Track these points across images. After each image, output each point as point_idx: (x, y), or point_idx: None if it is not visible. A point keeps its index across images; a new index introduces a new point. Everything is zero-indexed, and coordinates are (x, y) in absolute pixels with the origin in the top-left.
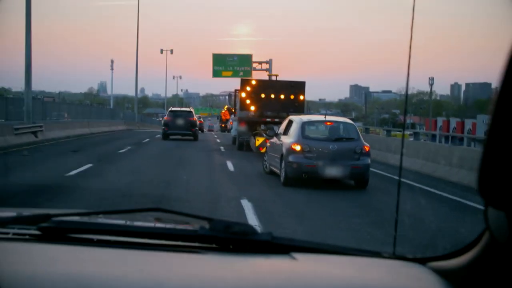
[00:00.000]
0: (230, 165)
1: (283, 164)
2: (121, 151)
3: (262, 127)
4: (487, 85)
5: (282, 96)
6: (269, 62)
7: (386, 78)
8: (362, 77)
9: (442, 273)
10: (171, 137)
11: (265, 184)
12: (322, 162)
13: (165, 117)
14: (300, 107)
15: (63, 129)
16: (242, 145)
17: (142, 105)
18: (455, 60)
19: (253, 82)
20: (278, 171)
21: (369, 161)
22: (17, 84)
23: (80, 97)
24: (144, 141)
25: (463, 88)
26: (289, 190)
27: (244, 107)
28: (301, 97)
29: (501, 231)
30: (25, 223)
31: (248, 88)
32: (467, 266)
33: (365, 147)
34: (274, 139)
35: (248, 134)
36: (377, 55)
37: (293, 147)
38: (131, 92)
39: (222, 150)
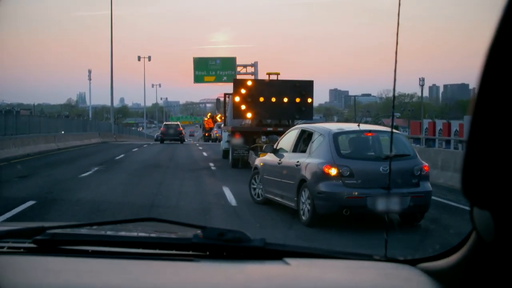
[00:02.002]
0: (229, 195)
1: (305, 195)
2: (83, 175)
3: (263, 138)
4: (464, 86)
5: (285, 99)
6: (255, 65)
7: (365, 82)
8: (341, 81)
9: (432, 274)
10: (164, 142)
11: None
12: (371, 192)
13: (162, 128)
14: (308, 112)
15: (23, 145)
16: (237, 162)
17: (121, 115)
18: (431, 62)
19: (249, 83)
20: (292, 205)
21: (430, 186)
22: None
23: (58, 108)
24: (117, 158)
25: (441, 89)
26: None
27: (238, 114)
28: (309, 100)
29: (487, 231)
30: (19, 236)
31: (243, 91)
32: (455, 266)
33: (424, 166)
34: (272, 157)
35: (244, 147)
36: (356, 59)
37: (325, 170)
38: (110, 102)
39: (213, 168)
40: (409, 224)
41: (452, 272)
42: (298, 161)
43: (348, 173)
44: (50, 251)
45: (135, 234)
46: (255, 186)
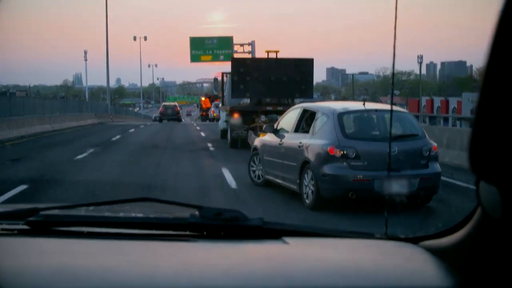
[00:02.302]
0: (228, 176)
1: (308, 178)
2: (78, 157)
3: (263, 118)
4: (462, 63)
5: (285, 78)
6: (252, 44)
7: (362, 60)
8: (338, 59)
9: (434, 252)
10: (163, 121)
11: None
12: (378, 174)
13: (160, 109)
14: (308, 91)
15: (17, 127)
16: (235, 142)
17: (118, 95)
18: (429, 39)
19: (248, 62)
20: (294, 187)
21: (439, 167)
22: None
23: (55, 90)
24: (114, 139)
25: (438, 67)
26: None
27: (237, 93)
28: (309, 79)
29: (494, 207)
30: (12, 218)
31: (242, 69)
32: (459, 243)
33: (434, 147)
34: (272, 137)
35: (243, 127)
36: (353, 37)
37: (329, 151)
38: (106, 83)
39: (211, 148)
40: (416, 206)
41: (456, 249)
42: (300, 142)
43: (354, 154)
44: (44, 233)
45: (131, 214)
46: (254, 168)
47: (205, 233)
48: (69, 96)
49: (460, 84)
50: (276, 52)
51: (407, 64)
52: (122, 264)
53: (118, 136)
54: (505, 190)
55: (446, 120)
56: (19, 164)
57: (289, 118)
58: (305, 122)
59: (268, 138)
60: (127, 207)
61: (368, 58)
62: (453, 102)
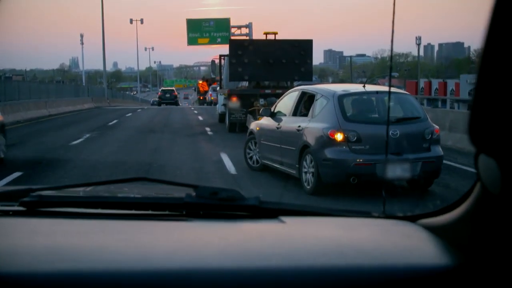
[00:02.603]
0: (227, 162)
1: (308, 162)
2: (74, 142)
3: (261, 101)
4: (459, 44)
5: (284, 60)
6: (249, 26)
7: (359, 42)
8: (336, 42)
9: (433, 229)
10: (162, 105)
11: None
12: (380, 158)
13: (159, 93)
14: (307, 74)
15: (13, 112)
16: (234, 126)
17: (115, 79)
18: (426, 20)
19: (246, 44)
20: (293, 172)
21: (441, 151)
22: None
23: (51, 74)
24: (110, 123)
25: (436, 48)
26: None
27: (235, 76)
28: (308, 61)
29: (493, 182)
30: (6, 199)
31: (240, 52)
32: (458, 220)
33: (436, 130)
34: (269, 121)
35: (241, 111)
36: (350, 19)
37: (330, 135)
38: (103, 67)
39: (209, 132)
40: (418, 190)
41: (455, 227)
42: (299, 126)
43: (355, 138)
44: (38, 214)
45: (126, 195)
46: (251, 152)
47: (201, 212)
48: (65, 80)
49: (458, 66)
50: (275, 33)
51: (404, 46)
52: (117, 243)
53: (115, 121)
54: (504, 163)
55: (444, 102)
56: (14, 150)
57: (286, 101)
58: (304, 105)
59: (265, 122)
60: (123, 188)
61: (366, 40)
62: (451, 84)
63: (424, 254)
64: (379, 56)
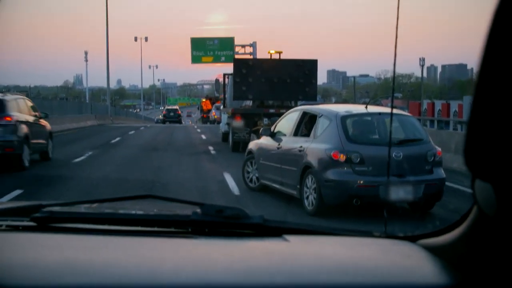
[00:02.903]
0: (230, 182)
1: (310, 183)
2: (76, 160)
3: (265, 120)
4: (463, 66)
5: (288, 80)
6: (253, 45)
7: (362, 62)
8: (339, 62)
9: (432, 250)
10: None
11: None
12: (383, 180)
13: (164, 112)
14: (312, 94)
15: None
16: (237, 145)
17: (118, 96)
18: (429, 42)
19: (251, 63)
20: (294, 193)
21: (443, 173)
22: None
23: (55, 90)
24: (113, 141)
25: (439, 70)
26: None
27: (239, 95)
28: (313, 81)
29: (489, 205)
30: (18, 214)
31: (244, 71)
32: (456, 241)
33: (439, 152)
34: (269, 141)
35: (245, 130)
36: (353, 39)
37: (333, 156)
38: (106, 84)
39: (212, 152)
40: (420, 212)
41: (453, 247)
42: (301, 146)
43: (359, 159)
44: (48, 229)
45: (133, 211)
46: (249, 172)
47: (206, 230)
48: (69, 97)
49: (461, 87)
50: (279, 53)
51: (407, 67)
52: (126, 259)
53: (118, 138)
54: (499, 187)
55: (447, 123)
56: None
57: (287, 121)
58: (305, 125)
59: (265, 141)
60: (129, 205)
61: (369, 61)
62: (454, 105)
63: (424, 274)
64: (382, 77)
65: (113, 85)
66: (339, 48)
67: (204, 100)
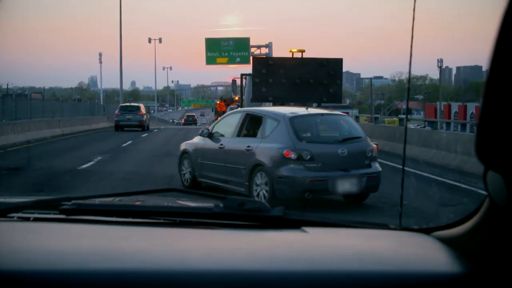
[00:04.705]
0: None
1: (261, 180)
2: (83, 166)
3: None
4: (477, 68)
5: (311, 80)
6: (269, 45)
7: (376, 64)
8: (353, 64)
9: (446, 241)
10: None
11: None
12: (331, 174)
13: (184, 117)
14: (336, 95)
15: (23, 131)
16: None
17: (132, 98)
18: (444, 43)
19: (271, 62)
20: (242, 189)
21: (379, 167)
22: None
23: (70, 92)
24: (124, 145)
25: (454, 71)
26: None
27: (258, 96)
28: (338, 81)
29: (501, 196)
30: (46, 207)
31: (264, 70)
32: (469, 232)
33: (375, 148)
34: (207, 141)
35: None
36: (368, 41)
37: (285, 154)
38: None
39: None
40: (356, 204)
41: (466, 238)
42: (249, 146)
43: (309, 156)
44: (77, 221)
45: (158, 204)
46: (184, 171)
47: (228, 222)
48: (84, 99)
49: (477, 89)
50: (302, 51)
51: (422, 69)
52: (155, 247)
53: (129, 142)
54: (510, 178)
55: (463, 126)
56: (16, 176)
57: (228, 123)
58: (250, 126)
59: (202, 142)
60: (154, 198)
61: (383, 63)
62: (471, 107)
63: (438, 263)
64: (397, 79)
65: (127, 86)
66: (354, 49)
67: (218, 102)
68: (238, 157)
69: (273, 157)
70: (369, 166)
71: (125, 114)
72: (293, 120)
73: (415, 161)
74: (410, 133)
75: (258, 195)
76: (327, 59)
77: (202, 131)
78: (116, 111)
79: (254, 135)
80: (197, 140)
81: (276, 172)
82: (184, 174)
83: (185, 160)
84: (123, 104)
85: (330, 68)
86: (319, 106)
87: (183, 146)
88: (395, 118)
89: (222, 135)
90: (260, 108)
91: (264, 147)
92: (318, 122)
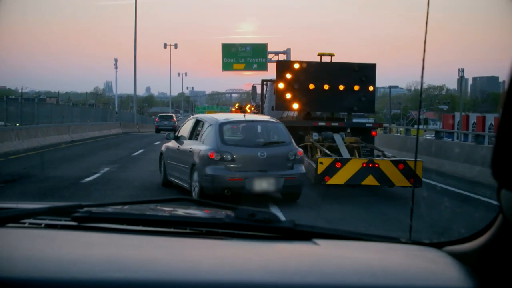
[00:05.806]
0: (275, 210)
1: (195, 177)
2: (87, 179)
3: (315, 136)
4: (494, 78)
5: (341, 87)
6: (287, 52)
7: (392, 73)
8: None
9: (457, 256)
10: None
11: None
12: (249, 174)
13: None
14: (369, 104)
15: (29, 137)
16: None
17: (147, 104)
18: (460, 53)
19: (297, 66)
20: (186, 186)
21: (303, 169)
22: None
23: (85, 97)
24: (135, 153)
25: (470, 82)
26: None
27: (281, 104)
28: (371, 88)
29: None
30: (58, 214)
31: (289, 75)
32: (481, 248)
33: (299, 152)
34: (173, 143)
35: None
36: (383, 50)
37: (210, 156)
38: (137, 91)
39: None
40: (289, 202)
41: (478, 254)
42: (191, 148)
43: (230, 158)
44: (88, 228)
45: (169, 213)
46: (161, 171)
47: (239, 232)
48: (98, 104)
49: (495, 100)
50: (331, 55)
51: (438, 79)
52: (166, 256)
53: (140, 150)
54: None
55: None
56: (11, 189)
57: (187, 127)
58: (197, 130)
59: (171, 144)
60: (165, 207)
61: (399, 72)
62: (489, 118)
63: (448, 279)
64: (412, 88)
65: (142, 92)
66: (369, 59)
67: (233, 109)
68: (185, 157)
69: (202, 157)
70: (291, 168)
71: (163, 121)
72: (222, 125)
73: (461, 180)
74: (448, 147)
75: (194, 190)
76: (360, 64)
77: (169, 134)
78: (156, 119)
79: (197, 138)
80: (170, 142)
81: (203, 171)
82: (161, 173)
83: (162, 160)
84: (162, 114)
85: (363, 74)
86: (349, 116)
87: (162, 147)
88: (421, 129)
89: (184, 138)
90: (206, 115)
91: (198, 149)
92: (246, 128)
